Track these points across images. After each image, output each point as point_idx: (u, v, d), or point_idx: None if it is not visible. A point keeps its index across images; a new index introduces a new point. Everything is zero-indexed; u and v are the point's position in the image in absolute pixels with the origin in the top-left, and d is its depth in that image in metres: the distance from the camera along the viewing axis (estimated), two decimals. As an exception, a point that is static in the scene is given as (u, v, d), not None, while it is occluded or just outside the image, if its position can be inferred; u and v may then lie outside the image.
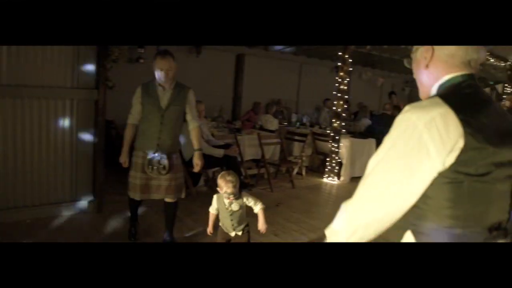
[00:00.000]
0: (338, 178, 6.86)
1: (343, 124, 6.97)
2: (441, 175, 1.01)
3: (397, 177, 1.03)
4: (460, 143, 0.98)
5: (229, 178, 2.92)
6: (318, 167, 7.39)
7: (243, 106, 8.92)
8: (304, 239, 4.15)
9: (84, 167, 4.33)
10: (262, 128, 7.43)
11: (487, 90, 10.63)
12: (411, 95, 12.08)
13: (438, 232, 1.06)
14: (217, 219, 3.14)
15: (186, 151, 5.08)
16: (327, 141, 6.98)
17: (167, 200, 3.57)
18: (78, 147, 4.25)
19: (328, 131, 7.20)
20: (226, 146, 5.41)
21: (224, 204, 3.02)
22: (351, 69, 6.99)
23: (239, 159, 5.69)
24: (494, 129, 1.04)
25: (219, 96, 8.39)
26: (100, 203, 4.41)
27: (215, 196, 3.11)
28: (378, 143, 7.47)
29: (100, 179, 4.39)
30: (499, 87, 10.07)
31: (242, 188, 5.25)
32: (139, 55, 7.03)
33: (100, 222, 4.15)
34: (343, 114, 6.89)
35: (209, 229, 3.15)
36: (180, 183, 3.58)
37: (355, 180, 7.07)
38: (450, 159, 0.99)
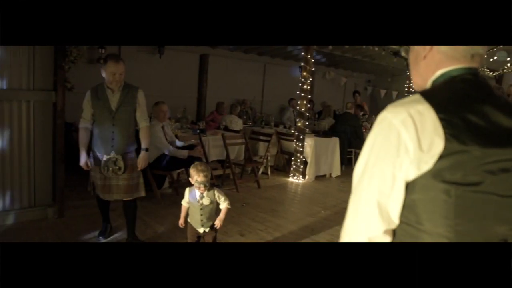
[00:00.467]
0: (303, 177, 6.94)
1: (307, 123, 7.05)
2: (428, 187, 0.92)
3: (381, 184, 0.96)
4: (439, 146, 0.89)
5: (200, 168, 2.98)
6: (283, 167, 7.46)
7: (207, 106, 8.88)
8: (269, 238, 4.17)
9: (43, 172, 4.18)
10: (226, 129, 7.42)
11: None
12: (373, 94, 12.38)
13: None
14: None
15: (148, 153, 4.99)
16: (292, 140, 7.04)
17: (126, 199, 3.61)
18: (36, 151, 4.10)
19: (293, 131, 7.27)
20: (190, 147, 5.37)
21: (195, 198, 3.05)
22: (313, 69, 7.08)
23: (203, 160, 5.65)
24: (489, 129, 0.92)
25: (182, 97, 8.32)
26: (61, 208, 4.27)
27: (187, 189, 3.15)
28: (342, 141, 7.63)
29: (61, 184, 4.26)
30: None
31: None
32: (99, 56, 6.87)
33: (61, 227, 4.03)
34: (307, 114, 6.97)
35: (181, 221, 3.21)
36: (138, 182, 3.65)
37: (320, 178, 7.18)
38: (429, 164, 0.91)
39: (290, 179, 6.93)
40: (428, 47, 1.06)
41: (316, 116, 9.62)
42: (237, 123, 7.71)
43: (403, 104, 0.94)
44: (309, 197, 6.05)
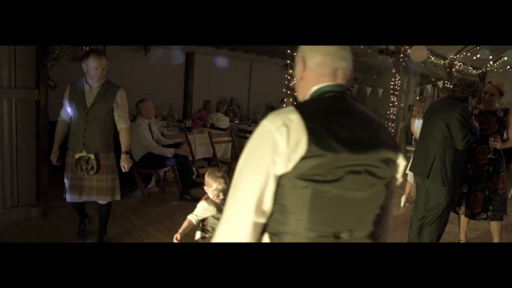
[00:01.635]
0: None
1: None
2: (293, 183, 1.09)
3: (255, 178, 1.12)
4: (303, 148, 1.07)
5: (219, 174, 2.69)
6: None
7: (193, 104, 8.82)
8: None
9: (26, 171, 4.11)
10: (213, 127, 7.38)
11: (429, 86, 11.16)
12: (360, 91, 12.43)
13: (295, 236, 1.13)
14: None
15: (134, 151, 4.95)
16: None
17: (100, 202, 3.49)
18: (19, 151, 4.03)
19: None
20: (176, 145, 5.33)
21: (214, 211, 2.66)
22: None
23: (190, 158, 5.62)
24: (346, 138, 1.11)
25: (168, 95, 8.26)
26: (45, 208, 4.21)
27: (204, 203, 2.69)
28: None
29: (45, 184, 4.20)
30: (440, 83, 10.59)
31: (195, 187, 5.23)
32: (83, 54, 6.75)
33: (45, 227, 3.97)
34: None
35: (179, 237, 2.58)
36: (113, 185, 3.48)
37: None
38: (294, 163, 1.08)
39: (277, 176, 6.92)
40: (302, 68, 1.27)
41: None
42: (223, 121, 7.68)
43: (279, 114, 1.12)
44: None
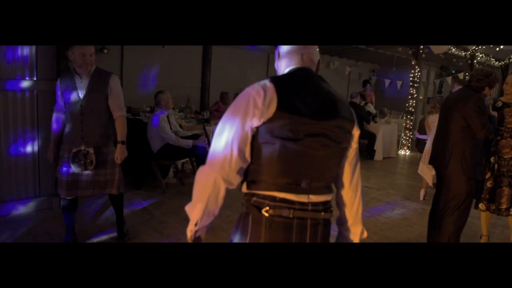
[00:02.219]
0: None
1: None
2: (265, 138, 1.35)
3: (237, 128, 1.36)
4: (273, 108, 1.33)
5: None
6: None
7: (211, 96, 8.83)
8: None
9: (47, 162, 4.17)
10: (231, 119, 7.37)
11: (449, 79, 10.96)
12: (377, 83, 12.29)
13: (267, 184, 1.38)
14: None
15: (153, 143, 4.99)
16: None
17: (112, 192, 3.36)
18: (40, 141, 4.10)
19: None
20: (194, 137, 5.35)
21: None
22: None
23: (208, 149, 5.63)
24: (308, 106, 1.37)
25: (186, 87, 8.28)
26: (65, 198, 4.27)
27: None
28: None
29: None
30: (460, 75, 10.38)
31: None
32: (102, 45, 6.83)
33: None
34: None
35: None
36: (114, 179, 3.32)
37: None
38: (265, 118, 1.33)
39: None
40: (278, 57, 1.58)
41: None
42: (241, 113, 7.67)
43: (259, 83, 1.39)
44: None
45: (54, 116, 3.29)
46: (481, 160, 3.52)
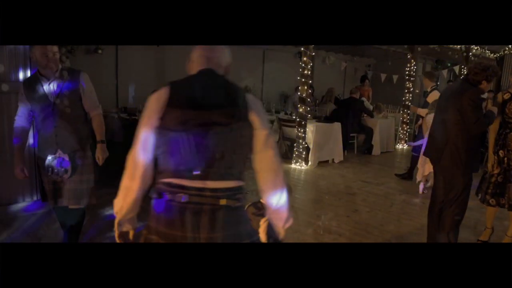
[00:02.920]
0: (306, 163, 6.92)
1: (308, 109, 7.02)
2: (161, 132, 1.52)
3: (145, 128, 1.56)
4: (164, 108, 1.52)
5: None
6: (285, 153, 7.42)
7: (207, 95, 8.80)
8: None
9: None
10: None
11: (445, 72, 10.95)
12: (373, 78, 12.28)
13: (172, 173, 1.54)
14: None
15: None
16: (294, 126, 7.00)
17: (71, 206, 2.98)
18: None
19: (294, 117, 7.22)
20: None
21: None
22: (313, 54, 7.02)
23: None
24: (195, 100, 1.53)
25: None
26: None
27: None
28: (343, 127, 7.58)
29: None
30: (456, 68, 10.39)
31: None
32: (96, 46, 6.79)
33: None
34: (308, 99, 6.93)
35: None
36: (83, 188, 2.98)
37: (322, 164, 7.16)
38: (161, 117, 1.52)
39: (293, 165, 6.91)
40: (189, 60, 1.73)
41: (317, 101, 9.54)
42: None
43: (160, 88, 1.59)
44: (312, 183, 6.03)
45: (17, 125, 2.93)
46: (478, 152, 3.49)
